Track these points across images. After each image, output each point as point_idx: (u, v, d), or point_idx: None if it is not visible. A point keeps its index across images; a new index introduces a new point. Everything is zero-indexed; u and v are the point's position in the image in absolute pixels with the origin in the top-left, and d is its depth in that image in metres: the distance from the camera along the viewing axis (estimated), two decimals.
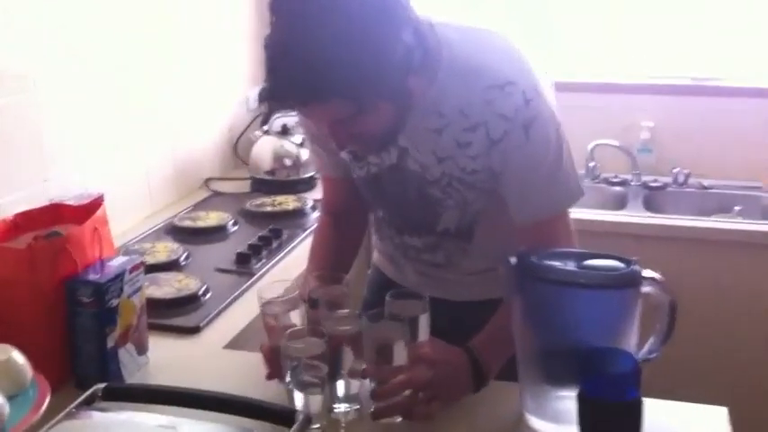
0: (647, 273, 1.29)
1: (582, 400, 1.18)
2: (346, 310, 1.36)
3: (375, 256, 1.75)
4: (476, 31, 1.40)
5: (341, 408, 1.32)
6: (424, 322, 1.34)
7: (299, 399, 1.25)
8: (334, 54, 1.17)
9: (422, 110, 1.35)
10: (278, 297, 1.42)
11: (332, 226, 1.65)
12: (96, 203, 1.56)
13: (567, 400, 1.21)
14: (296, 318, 1.39)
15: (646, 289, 1.29)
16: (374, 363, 1.30)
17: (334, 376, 1.31)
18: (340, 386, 1.32)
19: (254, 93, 2.99)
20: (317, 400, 1.25)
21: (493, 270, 1.50)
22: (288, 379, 1.27)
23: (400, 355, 1.29)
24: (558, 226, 1.44)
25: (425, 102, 1.35)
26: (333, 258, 1.59)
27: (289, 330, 1.29)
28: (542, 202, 1.41)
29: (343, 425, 1.31)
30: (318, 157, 1.62)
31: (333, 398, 1.32)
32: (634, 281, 1.27)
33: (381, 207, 1.58)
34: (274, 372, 1.36)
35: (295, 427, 1.09)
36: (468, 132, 1.36)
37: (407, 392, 1.29)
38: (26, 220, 1.52)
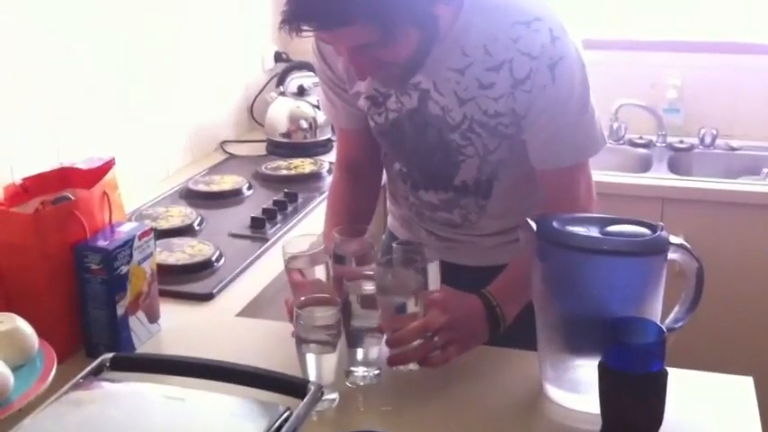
0: (673, 239, 1.24)
1: (604, 370, 1.14)
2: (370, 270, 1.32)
3: (389, 220, 1.71)
4: None
5: (359, 371, 1.30)
6: (434, 270, 1.32)
7: (311, 364, 1.22)
8: None
9: (445, 47, 1.32)
10: (303, 252, 1.37)
11: (348, 181, 1.60)
12: (106, 167, 1.53)
13: (588, 369, 1.17)
14: (321, 273, 1.35)
15: (672, 256, 1.25)
16: (389, 313, 1.28)
17: (352, 340, 1.29)
18: (359, 351, 1.30)
19: (270, 52, 2.94)
20: (330, 369, 1.22)
21: (508, 232, 1.48)
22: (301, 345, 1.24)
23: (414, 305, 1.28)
24: (580, 176, 1.42)
25: (449, 38, 1.31)
26: (351, 214, 1.54)
27: (302, 299, 1.26)
28: (565, 149, 1.38)
29: (360, 390, 1.29)
30: (333, 106, 1.55)
31: (351, 362, 1.30)
32: (660, 247, 1.22)
33: (399, 158, 1.53)
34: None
35: (307, 398, 1.05)
36: (491, 72, 1.32)
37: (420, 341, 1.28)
38: (35, 184, 1.48)
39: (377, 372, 1.30)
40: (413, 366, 1.30)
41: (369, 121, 1.49)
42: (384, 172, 1.62)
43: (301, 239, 1.41)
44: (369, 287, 1.29)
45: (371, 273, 1.30)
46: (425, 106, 1.39)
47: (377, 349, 1.30)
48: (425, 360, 1.28)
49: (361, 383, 1.30)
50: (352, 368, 1.30)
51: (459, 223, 1.52)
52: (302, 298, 1.25)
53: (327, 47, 1.41)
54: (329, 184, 1.68)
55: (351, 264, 1.34)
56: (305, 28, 1.20)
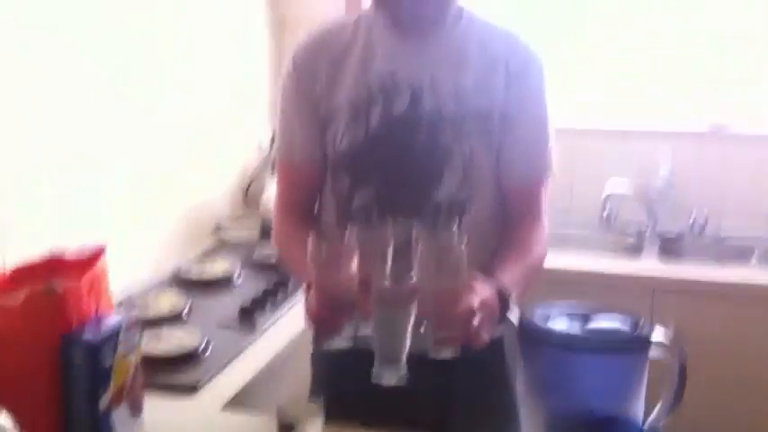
0: (655, 336, 1.25)
1: None
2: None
3: None
4: None
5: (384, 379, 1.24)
6: None
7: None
8: None
9: (447, 42, 1.45)
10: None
11: (296, 224, 1.53)
12: (95, 256, 1.54)
13: None
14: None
15: (653, 353, 1.25)
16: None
17: (386, 352, 1.23)
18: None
19: (266, 136, 2.99)
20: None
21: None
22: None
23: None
24: (543, 193, 1.51)
25: (451, 35, 1.45)
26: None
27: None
28: (536, 162, 1.49)
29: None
30: (292, 135, 1.52)
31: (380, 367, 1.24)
32: (641, 345, 1.24)
33: (372, 178, 1.46)
34: (326, 333, 1.27)
35: None
36: (487, 72, 1.44)
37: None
38: (23, 275, 1.49)
39: (403, 374, 1.24)
40: (455, 351, 1.25)
41: (341, 142, 1.45)
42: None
43: None
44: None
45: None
46: (417, 105, 1.43)
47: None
48: (469, 339, 1.24)
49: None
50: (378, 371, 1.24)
51: None
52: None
53: (306, 67, 1.48)
54: (275, 233, 1.59)
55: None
56: None
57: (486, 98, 1.43)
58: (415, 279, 1.22)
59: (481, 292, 1.27)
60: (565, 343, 1.22)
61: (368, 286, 1.22)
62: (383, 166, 1.46)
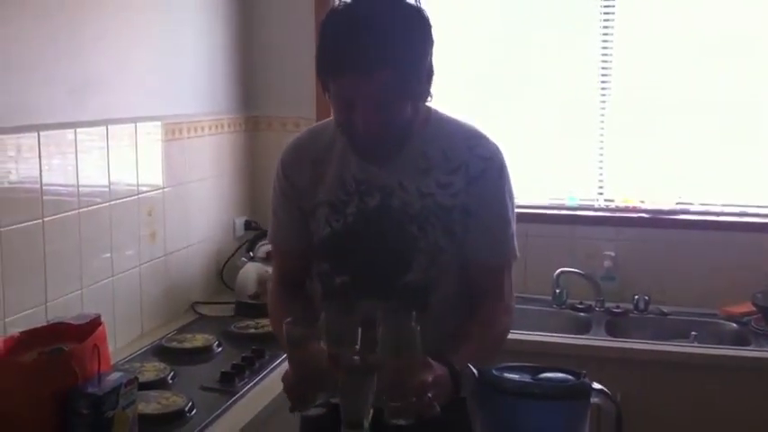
0: (595, 385, 1.44)
1: None
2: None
3: None
4: None
5: None
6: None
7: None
8: (400, 31, 1.47)
9: (413, 150, 1.61)
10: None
11: (289, 294, 1.75)
12: (95, 323, 1.71)
13: None
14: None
15: (594, 400, 1.44)
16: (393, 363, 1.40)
17: (352, 418, 1.40)
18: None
19: (241, 221, 3.19)
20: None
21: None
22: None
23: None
24: (506, 275, 1.68)
25: (416, 143, 1.60)
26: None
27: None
28: (500, 247, 1.66)
29: None
30: (281, 226, 1.75)
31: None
32: (584, 392, 1.42)
33: (349, 261, 1.66)
34: (301, 402, 1.47)
35: None
36: (449, 174, 1.62)
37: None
38: (31, 337, 1.65)
39: None
40: (408, 421, 1.40)
41: (323, 230, 1.66)
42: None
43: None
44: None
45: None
46: (388, 202, 1.62)
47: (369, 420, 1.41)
48: (421, 412, 1.40)
49: None
50: None
51: None
52: None
53: (292, 165, 1.69)
54: (270, 300, 1.80)
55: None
56: (342, 72, 1.47)
57: (447, 197, 1.61)
58: (377, 354, 1.41)
59: (435, 370, 1.45)
60: (517, 390, 1.41)
61: (337, 361, 1.42)
62: (358, 253, 1.66)
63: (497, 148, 1.66)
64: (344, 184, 1.65)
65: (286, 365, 1.60)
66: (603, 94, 3.14)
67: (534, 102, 3.21)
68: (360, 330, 1.45)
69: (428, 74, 1.55)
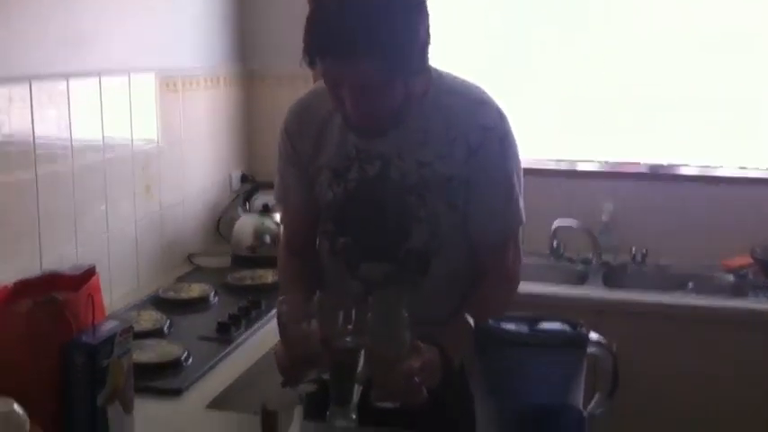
0: (592, 335, 1.43)
1: None
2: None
3: None
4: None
5: (337, 421, 1.43)
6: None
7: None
8: (388, 14, 1.40)
9: (411, 124, 1.56)
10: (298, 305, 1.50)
11: (297, 262, 1.74)
12: (90, 273, 1.69)
13: None
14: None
15: (591, 350, 1.43)
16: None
17: (338, 391, 1.43)
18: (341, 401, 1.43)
19: (237, 174, 3.17)
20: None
21: (434, 323, 1.61)
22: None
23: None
24: (510, 244, 1.66)
25: (415, 116, 1.56)
26: (305, 282, 1.68)
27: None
28: (503, 218, 1.63)
29: None
30: (287, 186, 1.73)
31: (333, 409, 1.43)
32: (580, 342, 1.41)
33: (351, 228, 1.65)
34: (293, 379, 1.48)
35: None
36: (449, 145, 1.57)
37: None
38: (25, 288, 1.63)
39: (353, 416, 1.43)
40: (395, 404, 1.43)
41: (326, 194, 1.65)
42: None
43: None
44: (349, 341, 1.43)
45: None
46: (387, 172, 1.59)
47: (358, 395, 1.43)
48: (407, 398, 1.42)
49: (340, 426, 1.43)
50: (331, 414, 1.43)
51: None
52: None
53: (294, 129, 1.67)
54: (279, 264, 1.80)
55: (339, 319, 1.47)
56: (326, 56, 1.43)
57: (447, 169, 1.57)
58: (365, 337, 1.42)
59: (425, 354, 1.45)
60: (514, 340, 1.40)
61: (327, 341, 1.43)
62: (359, 219, 1.65)
63: (500, 115, 1.60)
64: (345, 150, 1.62)
65: None
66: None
67: (534, 98, 3.16)
68: (351, 315, 1.46)
69: (422, 48, 1.49)
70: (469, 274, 1.66)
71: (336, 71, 1.47)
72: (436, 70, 1.60)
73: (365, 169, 1.61)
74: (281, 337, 1.50)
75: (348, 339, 1.43)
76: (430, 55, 1.53)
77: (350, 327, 1.44)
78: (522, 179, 1.64)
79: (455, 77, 1.63)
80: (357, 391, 1.43)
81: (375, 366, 1.42)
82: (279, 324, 1.49)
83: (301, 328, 1.45)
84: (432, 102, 1.58)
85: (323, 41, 1.43)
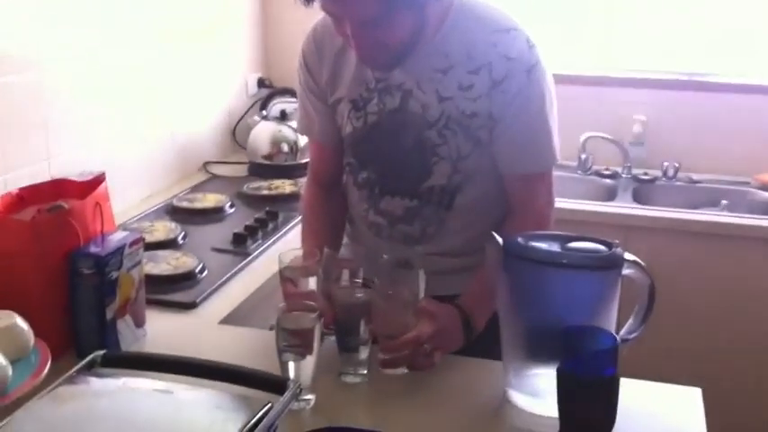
0: (628, 256, 1.34)
1: (561, 375, 1.23)
2: (357, 281, 1.46)
3: (344, 249, 1.74)
4: None
5: (348, 378, 1.40)
6: (422, 279, 1.43)
7: (291, 369, 1.31)
8: None
9: (431, 49, 1.45)
10: (296, 264, 1.47)
11: (320, 196, 1.68)
12: (98, 180, 1.61)
13: (548, 375, 1.26)
14: (313, 285, 1.45)
15: (627, 271, 1.35)
16: (381, 315, 1.38)
17: (345, 346, 1.39)
18: (349, 356, 1.40)
19: (253, 78, 3.04)
20: (307, 372, 1.31)
21: (462, 255, 1.58)
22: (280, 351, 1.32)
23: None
24: (542, 183, 1.56)
25: (435, 41, 1.44)
26: (327, 229, 1.64)
27: (281, 305, 1.35)
28: (533, 155, 1.51)
29: (336, 393, 1.37)
30: (309, 118, 1.65)
31: (343, 366, 1.40)
32: (615, 263, 1.33)
33: (370, 165, 1.59)
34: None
35: (286, 393, 1.14)
36: (471, 75, 1.45)
37: None
38: (30, 195, 1.56)
39: (364, 372, 1.40)
40: (402, 370, 1.40)
41: (346, 127, 1.57)
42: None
43: (296, 252, 1.50)
44: (357, 296, 1.41)
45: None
46: (407, 105, 1.50)
47: (367, 351, 1.40)
48: (415, 364, 1.39)
49: (351, 382, 1.40)
50: (342, 370, 1.40)
51: (417, 237, 1.59)
52: (284, 305, 1.34)
53: (313, 59, 1.56)
54: (303, 197, 1.75)
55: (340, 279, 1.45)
56: None
57: (469, 104, 1.46)
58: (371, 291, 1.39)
59: (439, 320, 1.39)
60: (546, 259, 1.31)
61: (330, 296, 1.40)
62: (380, 153, 1.56)
63: (527, 44, 1.45)
64: (365, 79, 1.52)
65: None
66: None
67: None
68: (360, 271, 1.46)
69: None
70: (499, 202, 1.57)
71: (333, 7, 1.36)
72: None
73: (384, 102, 1.51)
74: (283, 292, 1.46)
75: (353, 292, 1.41)
76: None
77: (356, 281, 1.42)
78: (555, 114, 1.51)
79: (479, 3, 1.49)
80: (366, 346, 1.39)
81: (380, 335, 1.39)
82: (282, 280, 1.46)
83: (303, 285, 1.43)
84: (452, 26, 1.45)
85: None
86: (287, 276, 1.45)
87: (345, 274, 1.45)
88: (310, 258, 1.48)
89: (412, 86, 1.48)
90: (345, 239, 1.72)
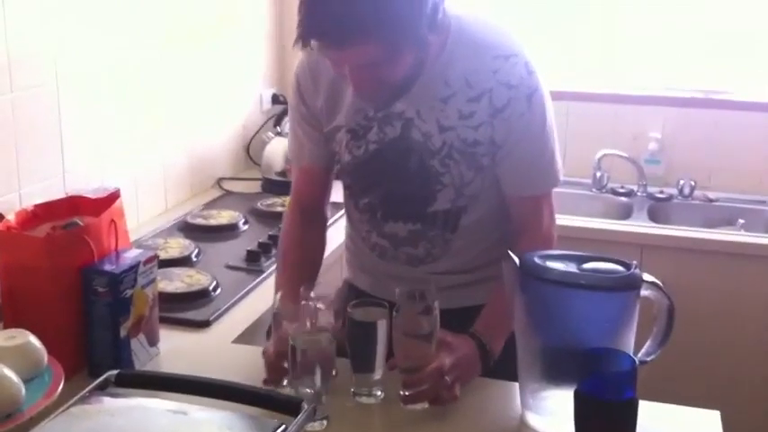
0: (646, 277, 1.33)
1: (579, 397, 1.22)
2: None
3: (347, 272, 1.74)
4: (476, 12, 1.52)
5: (362, 398, 1.40)
6: (437, 311, 1.39)
7: (305, 390, 1.29)
8: None
9: (430, 78, 1.43)
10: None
11: (301, 225, 1.63)
12: (113, 197, 1.61)
13: (565, 397, 1.24)
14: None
15: (645, 292, 1.33)
16: (402, 348, 1.37)
17: (361, 367, 1.38)
18: (363, 377, 1.39)
19: (268, 94, 3.05)
20: (321, 393, 1.30)
21: (467, 272, 1.57)
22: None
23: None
24: (545, 204, 1.54)
25: (434, 70, 1.43)
26: (306, 262, 1.59)
27: (294, 325, 1.33)
28: (536, 177, 1.51)
29: (351, 415, 1.36)
30: (299, 144, 1.62)
31: (357, 386, 1.39)
32: (633, 284, 1.31)
33: (373, 190, 1.56)
34: (274, 377, 1.39)
35: (301, 414, 1.13)
36: (472, 103, 1.44)
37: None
38: (45, 211, 1.56)
39: (379, 393, 1.39)
40: (423, 405, 1.37)
41: (344, 156, 1.55)
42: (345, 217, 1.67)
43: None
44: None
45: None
46: (408, 133, 1.48)
47: (380, 372, 1.39)
48: (438, 398, 1.36)
49: (365, 403, 1.39)
50: (356, 391, 1.40)
51: (422, 258, 1.57)
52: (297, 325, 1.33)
53: (307, 86, 1.54)
54: (283, 226, 1.69)
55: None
56: (318, 43, 1.30)
57: (470, 130, 1.45)
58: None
59: (457, 350, 1.38)
60: (562, 280, 1.30)
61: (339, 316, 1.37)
62: (382, 180, 1.54)
63: (528, 70, 1.43)
64: (363, 108, 1.50)
65: None
66: None
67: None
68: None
69: (432, 13, 1.33)
70: (504, 217, 1.56)
71: (334, 55, 1.35)
72: (458, 19, 1.44)
73: (385, 131, 1.50)
74: (273, 332, 1.42)
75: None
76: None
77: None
78: (554, 136, 1.50)
79: (478, 28, 1.47)
80: (380, 366, 1.38)
81: (401, 370, 1.37)
82: (274, 320, 1.41)
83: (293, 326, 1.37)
84: (452, 54, 1.43)
85: (317, 27, 1.29)
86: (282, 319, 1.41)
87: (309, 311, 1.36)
88: (289, 293, 1.42)
89: (412, 115, 1.47)
90: (346, 267, 1.72)
